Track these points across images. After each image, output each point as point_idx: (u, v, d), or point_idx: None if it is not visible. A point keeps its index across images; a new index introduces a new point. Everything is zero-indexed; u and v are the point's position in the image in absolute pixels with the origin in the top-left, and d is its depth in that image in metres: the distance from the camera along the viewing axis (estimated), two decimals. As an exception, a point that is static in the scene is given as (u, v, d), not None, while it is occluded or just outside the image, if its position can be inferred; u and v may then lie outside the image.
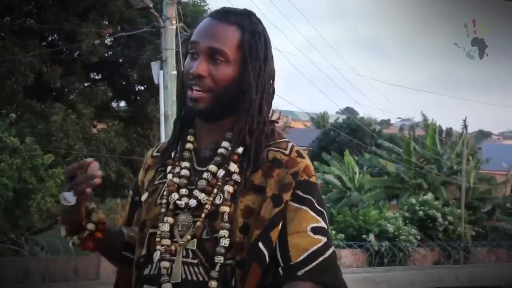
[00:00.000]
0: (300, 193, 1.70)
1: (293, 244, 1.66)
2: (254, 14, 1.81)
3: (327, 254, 1.66)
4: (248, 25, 1.76)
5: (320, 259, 1.65)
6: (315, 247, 1.66)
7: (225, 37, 1.73)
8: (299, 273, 1.63)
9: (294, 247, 1.65)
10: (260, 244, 1.65)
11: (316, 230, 1.68)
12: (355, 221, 22.63)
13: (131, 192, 1.98)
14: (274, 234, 1.66)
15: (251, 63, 1.74)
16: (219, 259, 1.64)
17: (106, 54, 17.12)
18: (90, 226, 1.77)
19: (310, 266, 1.64)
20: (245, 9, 1.82)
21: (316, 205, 1.70)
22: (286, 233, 1.67)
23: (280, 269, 1.65)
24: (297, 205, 1.69)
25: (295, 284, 1.63)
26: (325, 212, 1.72)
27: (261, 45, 1.76)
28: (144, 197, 1.82)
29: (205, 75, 1.71)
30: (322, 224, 1.69)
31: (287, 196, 1.68)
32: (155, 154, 1.91)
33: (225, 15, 1.76)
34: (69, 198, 1.63)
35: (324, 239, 1.67)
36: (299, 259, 1.64)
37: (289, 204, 1.68)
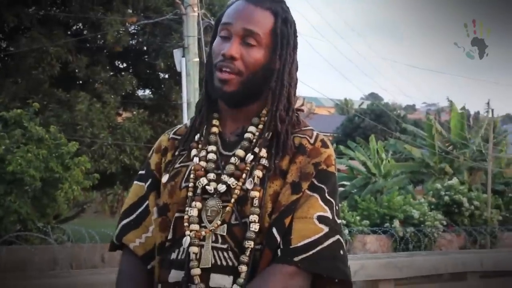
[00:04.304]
0: (315, 182, 1.72)
1: (296, 228, 1.67)
2: (285, 2, 1.82)
3: (326, 244, 1.67)
4: (281, 12, 1.76)
5: (318, 248, 1.66)
6: (316, 236, 1.67)
7: (260, 20, 1.73)
8: (296, 258, 1.65)
9: (296, 232, 1.67)
10: (274, 230, 1.67)
11: (321, 219, 1.69)
12: (379, 208, 22.54)
13: (138, 181, 1.89)
14: (287, 221, 1.67)
15: (282, 50, 1.74)
16: (250, 244, 1.66)
17: (131, 43, 17.19)
18: None
19: (307, 254, 1.65)
20: None
21: (326, 195, 1.72)
22: (292, 216, 1.68)
23: (278, 250, 1.66)
24: (309, 192, 1.71)
25: (283, 267, 1.64)
26: (334, 202, 1.73)
27: (292, 33, 1.77)
28: (164, 179, 1.79)
29: (237, 57, 1.70)
30: (328, 214, 1.70)
31: (305, 185, 1.71)
32: (172, 136, 1.90)
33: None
34: None
35: (326, 229, 1.68)
36: (298, 245, 1.66)
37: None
